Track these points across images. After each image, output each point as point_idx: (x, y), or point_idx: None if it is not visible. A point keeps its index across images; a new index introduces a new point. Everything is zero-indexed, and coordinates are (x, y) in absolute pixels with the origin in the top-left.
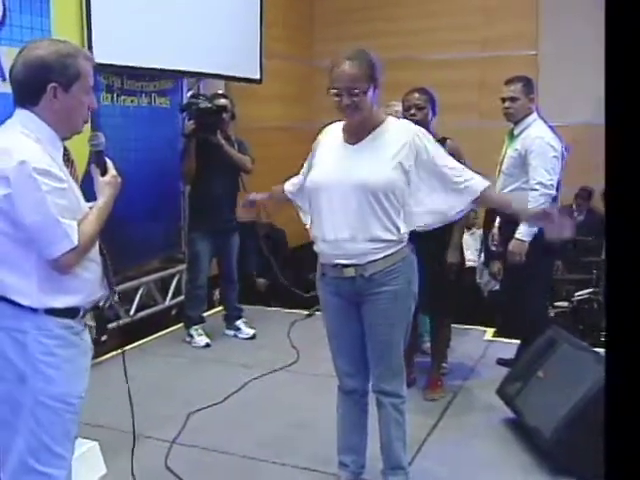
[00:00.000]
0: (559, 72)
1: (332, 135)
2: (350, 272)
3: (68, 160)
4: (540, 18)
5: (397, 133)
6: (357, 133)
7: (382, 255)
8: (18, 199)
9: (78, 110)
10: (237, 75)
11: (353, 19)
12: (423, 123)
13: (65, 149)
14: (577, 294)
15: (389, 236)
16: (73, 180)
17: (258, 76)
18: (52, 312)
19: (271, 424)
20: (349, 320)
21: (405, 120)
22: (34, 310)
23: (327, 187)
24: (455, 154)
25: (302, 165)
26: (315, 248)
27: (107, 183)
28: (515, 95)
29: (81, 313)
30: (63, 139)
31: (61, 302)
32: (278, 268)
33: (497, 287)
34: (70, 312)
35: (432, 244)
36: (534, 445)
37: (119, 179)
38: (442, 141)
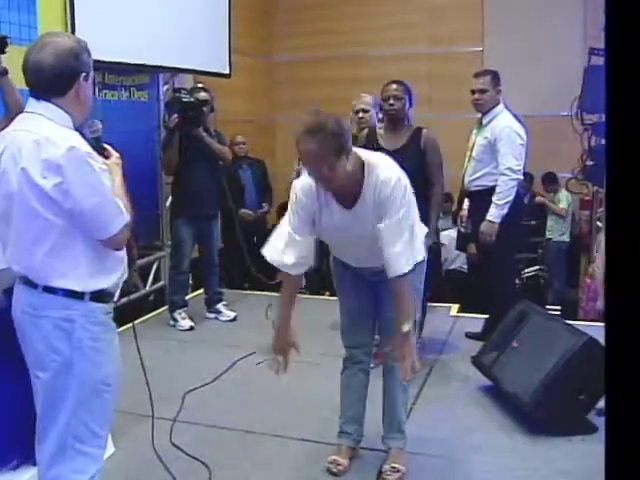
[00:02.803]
0: (502, 67)
1: (321, 198)
2: (370, 275)
3: None
4: (485, 17)
5: (372, 195)
6: (346, 200)
7: None
8: (73, 185)
9: (90, 99)
10: (208, 70)
11: (310, 17)
12: (401, 112)
13: None
14: (525, 271)
15: None
16: None
17: (227, 71)
18: (96, 298)
19: (264, 400)
20: (364, 297)
21: (380, 171)
22: (81, 298)
23: (339, 242)
24: (431, 143)
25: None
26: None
27: (116, 164)
28: (484, 87)
29: (114, 296)
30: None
31: (105, 282)
32: (248, 252)
33: (453, 266)
34: (107, 296)
35: None
36: (512, 409)
37: (121, 160)
38: (418, 131)
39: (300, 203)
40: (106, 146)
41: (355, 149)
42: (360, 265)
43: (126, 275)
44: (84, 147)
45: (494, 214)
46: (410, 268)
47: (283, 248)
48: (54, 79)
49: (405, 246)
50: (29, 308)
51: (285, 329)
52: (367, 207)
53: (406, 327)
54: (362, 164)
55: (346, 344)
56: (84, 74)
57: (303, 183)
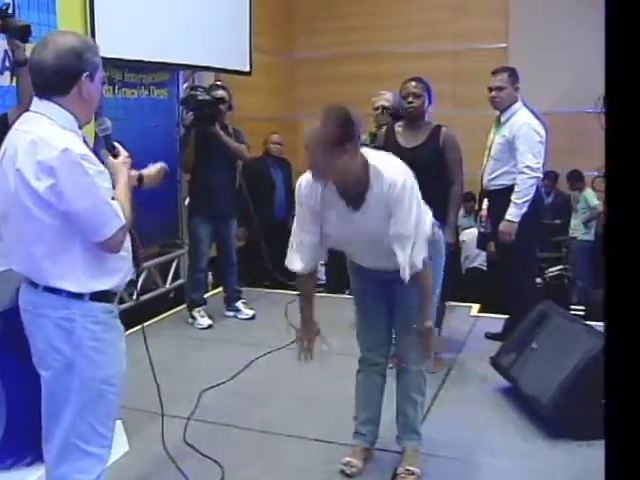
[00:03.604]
0: (526, 63)
1: (327, 194)
2: (387, 276)
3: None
4: (510, 13)
5: (382, 193)
6: (353, 200)
7: None
8: (66, 187)
9: (98, 98)
10: (229, 68)
11: (331, 14)
12: (420, 110)
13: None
14: (549, 270)
15: None
16: None
17: (248, 68)
18: (96, 298)
19: (281, 400)
20: (379, 300)
21: (390, 171)
22: (80, 298)
23: (346, 243)
24: (450, 140)
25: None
26: None
27: (124, 163)
28: (502, 85)
29: (117, 296)
30: (80, 128)
31: (106, 284)
32: (268, 254)
33: (474, 264)
34: (110, 296)
35: None
36: (530, 411)
37: (130, 159)
38: (437, 128)
39: (303, 196)
40: (116, 145)
41: (362, 150)
42: (370, 266)
43: (131, 276)
44: (79, 149)
45: (513, 213)
46: (424, 260)
47: (291, 256)
48: (54, 78)
49: (416, 245)
50: (30, 306)
51: (309, 319)
52: (374, 208)
53: (428, 323)
54: (367, 166)
55: (361, 346)
56: (87, 73)
57: (308, 177)
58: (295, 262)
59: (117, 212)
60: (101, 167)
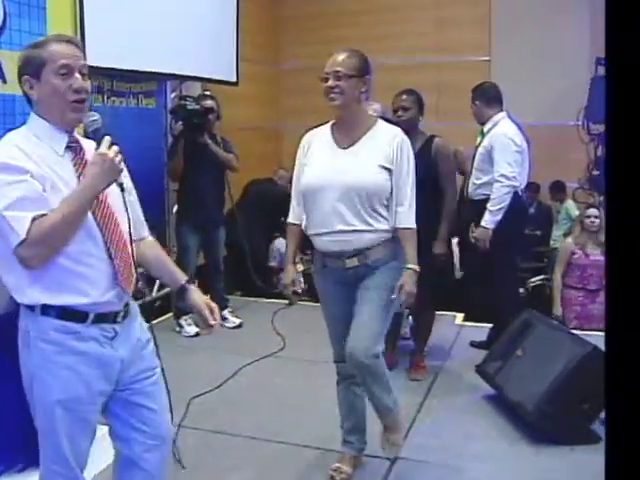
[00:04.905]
0: (509, 76)
1: (321, 137)
2: (353, 262)
3: (78, 152)
4: (493, 27)
5: (385, 138)
6: (348, 135)
7: (381, 240)
8: None
9: (55, 95)
10: (216, 78)
11: (318, 25)
12: (410, 123)
13: (75, 141)
14: (531, 281)
15: (382, 226)
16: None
17: (235, 79)
18: (49, 313)
19: (268, 407)
20: (348, 307)
21: (396, 127)
22: (32, 309)
23: (321, 189)
24: (442, 152)
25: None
26: (314, 244)
27: (91, 163)
28: (472, 105)
29: (91, 317)
30: (68, 130)
31: (60, 299)
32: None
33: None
34: (72, 314)
35: (420, 235)
36: (516, 418)
37: (110, 155)
38: (430, 140)
39: (301, 149)
40: (105, 139)
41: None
42: (331, 228)
43: (108, 296)
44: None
45: (488, 220)
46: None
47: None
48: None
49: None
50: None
51: (292, 258)
52: (366, 147)
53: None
54: (373, 120)
55: (334, 358)
56: (26, 77)
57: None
58: (290, 215)
59: (13, 226)
60: (20, 176)
